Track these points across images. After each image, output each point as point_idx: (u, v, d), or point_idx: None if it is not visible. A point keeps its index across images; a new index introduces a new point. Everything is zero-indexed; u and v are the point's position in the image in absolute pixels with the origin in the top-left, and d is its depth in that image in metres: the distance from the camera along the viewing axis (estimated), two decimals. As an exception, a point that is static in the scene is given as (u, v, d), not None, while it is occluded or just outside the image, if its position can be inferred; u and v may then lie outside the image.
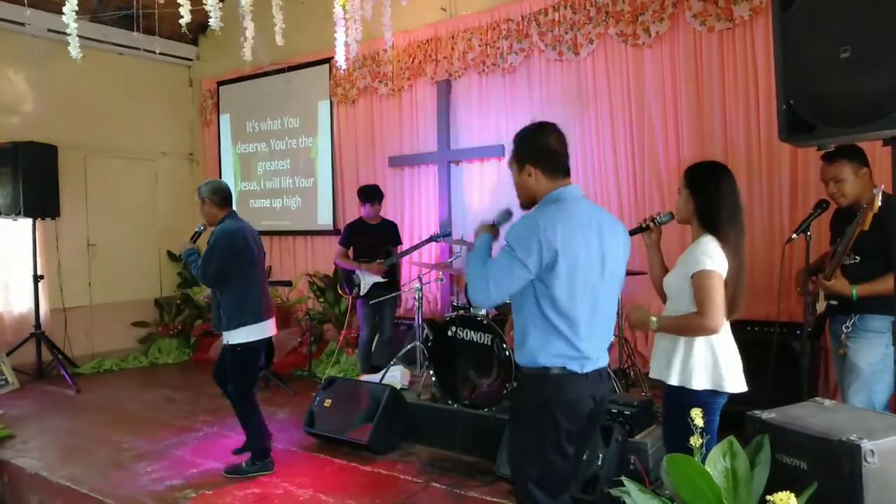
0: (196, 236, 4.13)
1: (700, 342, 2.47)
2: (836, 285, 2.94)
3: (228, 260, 3.85)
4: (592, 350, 2.23)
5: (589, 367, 2.22)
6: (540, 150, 2.30)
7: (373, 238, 5.45)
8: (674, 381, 2.49)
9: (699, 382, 2.45)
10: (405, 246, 5.71)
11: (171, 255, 8.07)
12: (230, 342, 3.93)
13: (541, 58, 5.53)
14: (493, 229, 2.39)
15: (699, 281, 2.42)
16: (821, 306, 3.18)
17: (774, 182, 4.52)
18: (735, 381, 2.48)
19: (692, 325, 2.45)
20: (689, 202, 2.57)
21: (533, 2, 5.50)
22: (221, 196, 4.03)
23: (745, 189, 4.60)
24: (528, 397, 2.26)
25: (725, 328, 2.54)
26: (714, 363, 2.47)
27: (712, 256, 2.43)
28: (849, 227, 2.77)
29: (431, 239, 5.40)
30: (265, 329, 4.01)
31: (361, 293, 5.40)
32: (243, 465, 4.00)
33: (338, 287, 6.49)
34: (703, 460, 2.02)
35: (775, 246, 4.37)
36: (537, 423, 2.22)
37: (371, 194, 5.48)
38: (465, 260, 2.33)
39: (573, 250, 2.15)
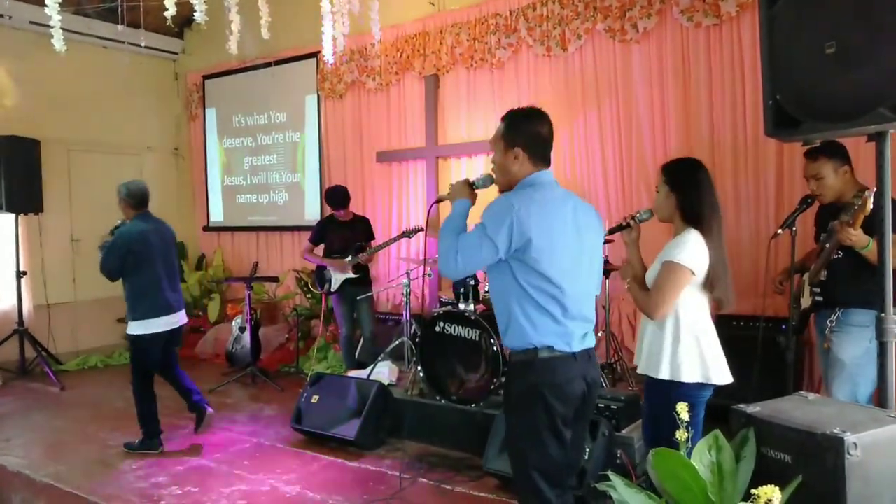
0: (115, 230, 4.42)
1: (686, 335, 2.50)
2: (855, 233, 2.74)
3: (124, 259, 4.20)
4: (578, 327, 2.25)
5: (577, 346, 2.23)
6: (533, 137, 2.32)
7: (344, 235, 5.44)
8: (664, 374, 2.50)
9: (689, 375, 2.47)
10: (378, 241, 5.68)
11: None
12: (127, 332, 4.31)
13: (529, 53, 5.53)
14: (472, 192, 2.40)
15: (664, 269, 2.49)
16: (805, 301, 3.20)
17: (760, 177, 4.54)
18: (721, 373, 2.51)
19: (642, 303, 2.57)
20: (669, 199, 2.59)
21: (521, -3, 5.50)
22: (137, 199, 4.41)
23: (731, 184, 4.65)
24: (518, 384, 2.25)
25: (709, 321, 2.58)
26: (701, 356, 2.49)
27: (689, 251, 2.46)
28: (836, 221, 2.77)
29: (403, 235, 5.38)
30: (160, 324, 4.28)
31: (332, 289, 5.39)
32: (136, 442, 4.35)
33: (309, 283, 6.49)
34: (689, 455, 2.04)
35: (761, 241, 4.39)
36: (530, 409, 2.21)
37: (338, 201, 5.43)
38: (441, 227, 2.33)
39: (549, 231, 2.17)
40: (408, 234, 5.34)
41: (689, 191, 2.54)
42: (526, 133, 2.32)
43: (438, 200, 2.66)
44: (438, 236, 2.31)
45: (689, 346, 2.49)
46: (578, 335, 2.25)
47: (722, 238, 2.55)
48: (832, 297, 3.03)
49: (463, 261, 2.18)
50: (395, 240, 5.45)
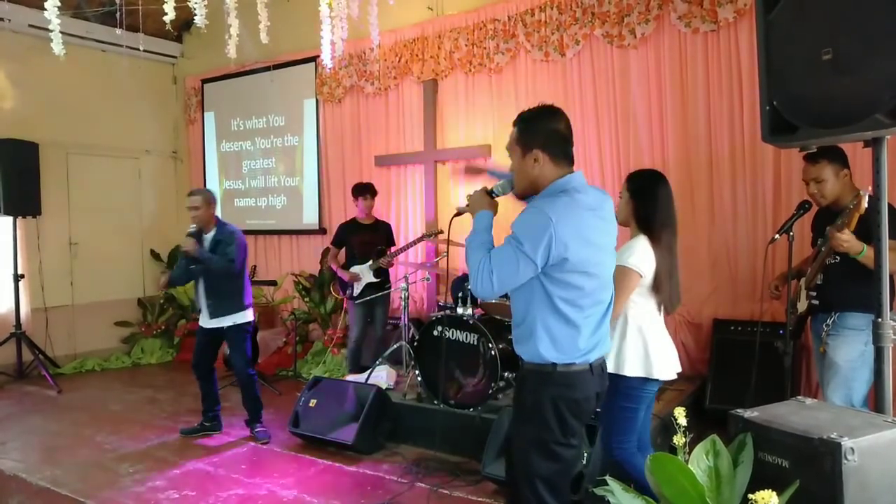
0: (191, 235, 4.50)
1: (632, 332, 2.70)
2: (847, 239, 2.72)
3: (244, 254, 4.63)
4: (599, 338, 2.21)
5: (593, 358, 2.19)
6: (550, 135, 2.18)
7: (365, 238, 5.43)
8: (609, 368, 2.58)
9: (631, 369, 2.67)
10: (399, 247, 5.68)
11: (154, 254, 8.00)
12: (241, 321, 4.56)
13: (527, 58, 5.54)
14: (492, 201, 2.29)
15: (616, 273, 2.47)
16: (802, 306, 3.21)
17: (758, 183, 4.55)
18: (665, 369, 2.70)
19: None
20: (629, 205, 2.80)
21: (519, 2, 5.50)
22: (216, 202, 4.80)
23: (728, 189, 4.67)
24: (534, 394, 2.18)
25: (657, 319, 2.77)
26: (645, 352, 2.68)
27: (638, 255, 2.66)
28: (830, 227, 2.79)
29: (423, 237, 5.39)
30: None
31: (355, 293, 5.38)
32: (256, 427, 4.63)
33: (331, 287, 6.48)
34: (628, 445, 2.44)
35: (758, 246, 4.41)
36: (544, 421, 2.15)
37: (362, 188, 5.48)
38: (466, 244, 2.22)
39: (585, 244, 2.09)
40: (428, 236, 5.35)
41: (646, 201, 2.75)
42: (543, 132, 2.17)
43: (458, 213, 2.49)
44: (466, 254, 2.20)
45: (633, 343, 2.69)
46: (597, 348, 2.21)
47: (672, 247, 2.75)
48: (828, 300, 3.05)
49: (499, 281, 2.07)
50: (414, 243, 5.44)
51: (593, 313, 2.18)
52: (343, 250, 5.51)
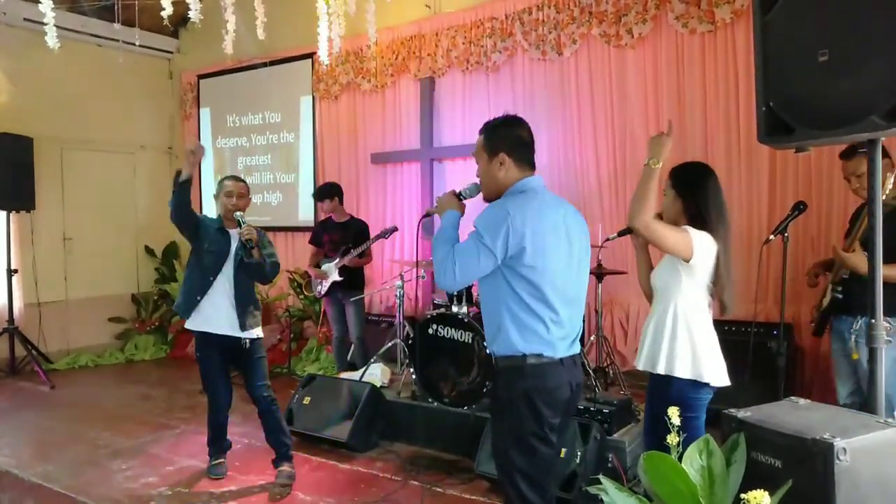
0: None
1: (682, 331, 2.48)
2: (853, 258, 2.86)
3: None
4: (566, 334, 2.26)
5: (564, 352, 2.24)
6: (515, 140, 2.34)
7: (335, 237, 5.40)
8: (661, 369, 2.49)
9: (682, 370, 2.46)
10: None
11: (148, 250, 7.97)
12: (259, 335, 3.80)
13: (524, 57, 5.54)
14: (459, 203, 2.40)
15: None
16: (826, 300, 3.15)
17: (753, 183, 4.57)
18: (715, 373, 2.47)
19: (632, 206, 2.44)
20: (676, 202, 2.59)
21: (517, 1, 5.50)
22: None
23: (724, 190, 4.65)
24: (507, 389, 2.25)
25: (707, 321, 2.55)
26: (693, 353, 2.47)
27: (701, 244, 2.44)
28: (837, 247, 2.81)
29: (379, 237, 5.25)
30: None
31: (322, 291, 5.37)
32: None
33: (303, 285, 6.52)
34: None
35: (753, 247, 4.42)
36: (519, 414, 2.21)
37: (319, 193, 5.45)
38: (433, 241, 2.34)
39: (542, 237, 2.18)
40: (384, 234, 5.29)
41: (696, 196, 2.54)
42: (507, 138, 2.34)
43: (427, 215, 2.66)
44: (432, 249, 2.31)
45: (683, 342, 2.48)
46: (567, 342, 2.26)
47: (728, 244, 2.55)
48: (856, 300, 2.94)
49: (461, 273, 2.19)
50: (371, 242, 5.28)
51: (560, 310, 2.22)
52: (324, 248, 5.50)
